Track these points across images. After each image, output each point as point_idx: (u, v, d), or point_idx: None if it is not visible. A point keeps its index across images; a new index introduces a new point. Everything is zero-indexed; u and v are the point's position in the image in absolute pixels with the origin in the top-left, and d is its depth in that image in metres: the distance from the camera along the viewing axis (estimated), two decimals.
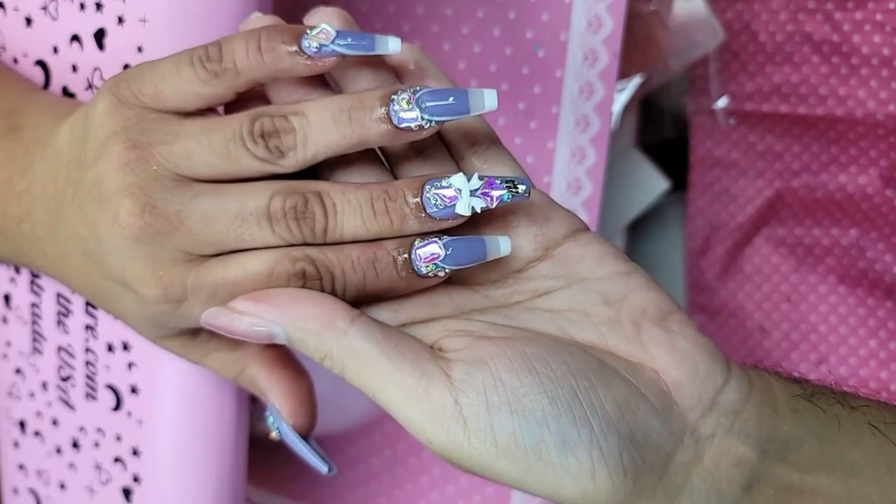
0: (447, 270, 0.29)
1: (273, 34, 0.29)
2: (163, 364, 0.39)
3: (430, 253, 0.29)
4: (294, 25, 0.29)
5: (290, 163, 0.29)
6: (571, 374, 0.27)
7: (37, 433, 0.44)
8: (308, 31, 0.29)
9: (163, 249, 0.29)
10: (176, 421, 0.40)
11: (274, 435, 0.34)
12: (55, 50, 0.38)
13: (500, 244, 0.29)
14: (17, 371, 0.44)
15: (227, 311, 0.29)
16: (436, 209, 0.28)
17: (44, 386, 0.43)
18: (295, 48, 0.29)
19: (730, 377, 0.29)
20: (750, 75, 0.64)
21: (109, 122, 0.30)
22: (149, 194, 0.29)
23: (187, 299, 0.29)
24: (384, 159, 0.31)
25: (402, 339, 0.29)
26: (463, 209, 0.28)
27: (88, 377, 0.41)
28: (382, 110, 0.28)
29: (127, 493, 0.42)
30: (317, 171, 0.30)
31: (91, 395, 0.42)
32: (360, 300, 0.30)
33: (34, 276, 0.41)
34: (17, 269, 0.42)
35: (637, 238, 0.69)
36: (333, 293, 0.29)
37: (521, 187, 0.28)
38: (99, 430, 0.42)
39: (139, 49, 0.36)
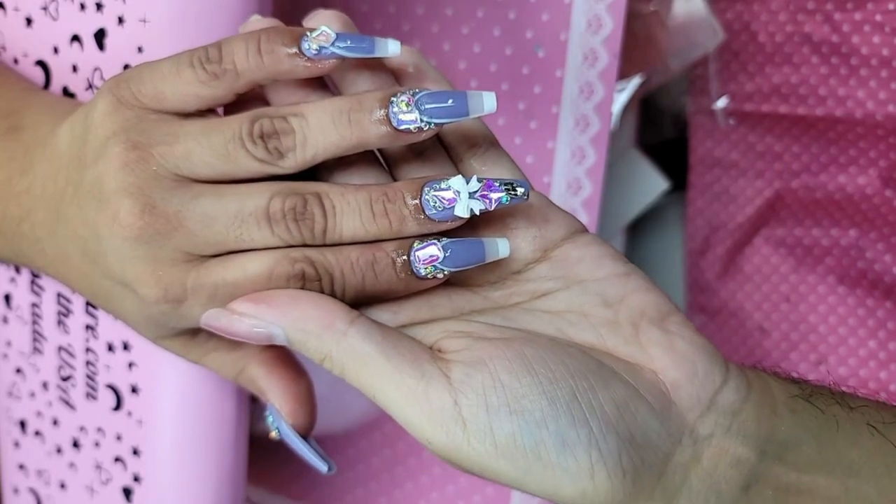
0: (446, 272, 0.29)
1: (273, 36, 0.29)
2: (163, 364, 0.39)
3: (428, 255, 0.29)
4: (294, 27, 0.30)
5: (290, 164, 0.29)
6: (570, 375, 0.27)
7: (37, 433, 0.44)
8: (308, 34, 0.29)
9: (162, 250, 0.29)
10: (176, 421, 0.40)
11: (274, 435, 0.34)
12: (55, 50, 0.38)
13: (499, 246, 0.29)
14: (18, 371, 0.44)
15: (227, 313, 0.29)
16: (435, 211, 0.28)
17: (44, 386, 0.43)
18: (295, 50, 0.29)
19: (728, 378, 0.29)
20: (749, 76, 0.64)
21: (109, 123, 0.30)
22: (148, 195, 0.29)
23: (187, 299, 0.29)
24: (383, 161, 0.31)
25: (402, 341, 0.29)
26: (462, 211, 0.28)
27: (89, 377, 0.41)
28: (382, 112, 0.28)
29: (127, 492, 0.42)
30: (316, 172, 0.30)
31: (91, 395, 0.42)
32: (360, 301, 0.30)
33: (34, 276, 0.42)
34: (17, 269, 0.42)
35: (637, 238, 0.69)
36: (333, 294, 0.29)
37: (520, 189, 0.29)
38: (99, 429, 0.42)
39: (139, 49, 0.36)
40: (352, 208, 0.29)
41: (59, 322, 0.41)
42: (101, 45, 0.37)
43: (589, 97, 0.50)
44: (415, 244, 0.29)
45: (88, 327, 0.41)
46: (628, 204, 0.63)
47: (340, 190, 0.29)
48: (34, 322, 0.42)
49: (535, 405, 0.27)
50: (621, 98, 0.58)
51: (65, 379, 0.42)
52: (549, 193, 0.51)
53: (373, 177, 0.30)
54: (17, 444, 0.45)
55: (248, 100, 0.31)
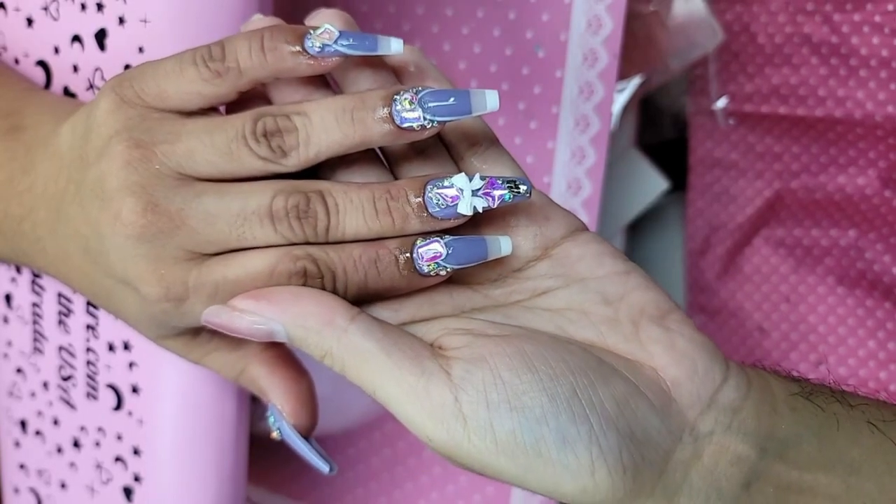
0: (448, 269, 0.29)
1: (276, 34, 0.29)
2: (163, 364, 0.39)
3: (431, 252, 0.29)
4: (297, 26, 0.30)
5: (293, 162, 0.29)
6: (570, 372, 0.27)
7: (38, 433, 0.44)
8: (311, 32, 0.29)
9: (165, 248, 0.29)
10: (176, 420, 0.40)
11: (275, 435, 0.34)
12: (56, 50, 0.38)
13: (501, 244, 0.29)
14: (18, 371, 0.44)
15: (228, 309, 0.29)
16: (438, 209, 0.28)
17: (45, 385, 0.43)
18: (298, 48, 0.29)
19: (728, 375, 0.29)
20: (749, 77, 0.64)
21: (112, 122, 0.30)
22: (151, 193, 0.29)
23: (189, 298, 0.29)
24: (384, 160, 0.31)
25: (402, 337, 0.29)
26: (465, 209, 0.28)
27: (89, 377, 0.41)
28: (385, 110, 0.28)
29: (128, 492, 0.42)
30: (318, 171, 0.30)
31: (92, 395, 0.42)
32: (362, 299, 0.30)
33: (35, 275, 0.42)
34: (18, 269, 0.42)
35: (637, 238, 0.69)
36: (335, 292, 0.29)
37: (523, 187, 0.29)
38: (100, 429, 0.42)
39: (140, 49, 0.36)
40: (355, 206, 0.29)
41: (60, 322, 0.41)
42: (101, 46, 0.37)
43: (589, 97, 0.50)
44: (417, 241, 0.29)
45: (89, 327, 0.41)
46: (628, 204, 0.63)
47: (343, 188, 0.29)
48: (35, 322, 0.42)
49: (536, 402, 0.27)
50: (621, 98, 0.58)
51: (65, 379, 0.42)
52: (549, 193, 0.51)
53: (375, 175, 0.31)
54: (17, 444, 0.45)
55: (250, 98, 0.31)
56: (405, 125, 0.28)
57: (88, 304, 0.40)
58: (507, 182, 0.28)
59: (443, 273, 0.29)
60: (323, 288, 0.29)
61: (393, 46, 0.29)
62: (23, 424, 0.45)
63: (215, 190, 0.29)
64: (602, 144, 0.50)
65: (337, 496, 0.60)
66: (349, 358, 0.28)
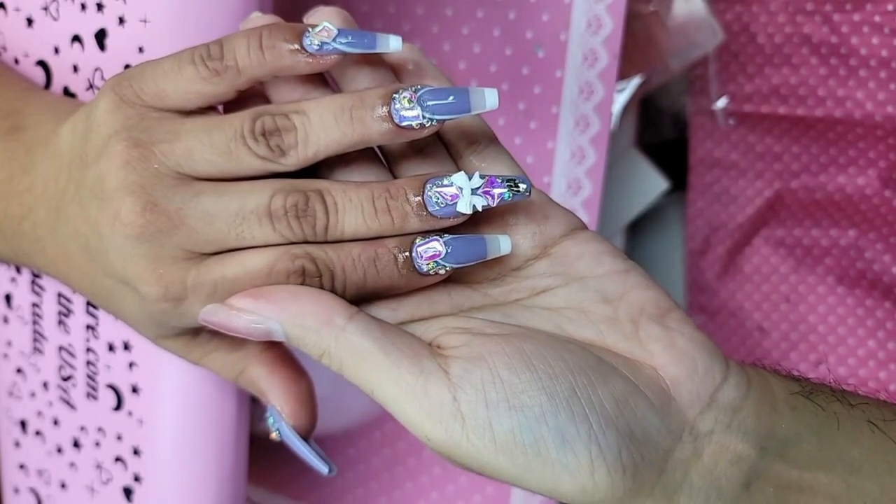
0: (448, 268, 0.29)
1: (275, 32, 0.29)
2: (163, 364, 0.39)
3: (431, 251, 0.29)
4: (295, 24, 0.30)
5: (292, 161, 0.29)
6: (570, 371, 0.27)
7: (38, 433, 0.44)
8: (310, 30, 0.29)
9: (163, 247, 0.29)
10: (176, 421, 0.40)
11: (274, 435, 0.34)
12: (56, 50, 0.38)
13: (501, 243, 0.29)
14: (18, 371, 0.44)
15: (226, 308, 0.29)
16: (437, 207, 0.28)
17: (45, 385, 0.43)
18: (296, 46, 0.29)
19: (728, 374, 0.29)
20: (749, 77, 0.64)
21: (111, 121, 0.30)
22: (150, 192, 0.29)
23: (187, 297, 0.29)
24: (383, 159, 0.31)
25: (401, 336, 0.29)
26: (464, 207, 0.28)
27: (89, 377, 0.41)
28: (384, 109, 0.28)
29: (128, 492, 0.42)
30: (317, 170, 0.30)
31: (92, 395, 0.42)
32: (360, 298, 0.30)
33: (35, 275, 0.42)
34: (18, 270, 0.42)
35: (637, 238, 0.69)
36: (333, 291, 0.29)
37: (522, 186, 0.29)
38: (100, 429, 0.42)
39: (140, 49, 0.36)
40: (354, 205, 0.29)
41: (60, 322, 0.41)
42: (101, 46, 0.37)
43: (589, 97, 0.50)
44: (417, 240, 0.29)
45: (89, 327, 0.41)
46: (628, 204, 0.63)
47: (342, 187, 0.29)
48: (35, 322, 0.42)
49: (535, 401, 0.27)
50: (621, 98, 0.58)
51: (65, 379, 0.42)
52: (549, 194, 0.51)
53: (373, 174, 0.30)
54: (17, 444, 0.45)
55: (249, 97, 0.31)
56: (404, 124, 0.28)
57: (88, 304, 0.40)
58: (507, 180, 0.28)
59: (442, 272, 0.29)
60: (321, 287, 0.29)
61: (392, 44, 0.29)
62: (23, 424, 0.45)
63: (214, 189, 0.29)
64: (602, 144, 0.50)
65: (337, 496, 0.60)
66: (347, 357, 0.28)
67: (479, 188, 0.28)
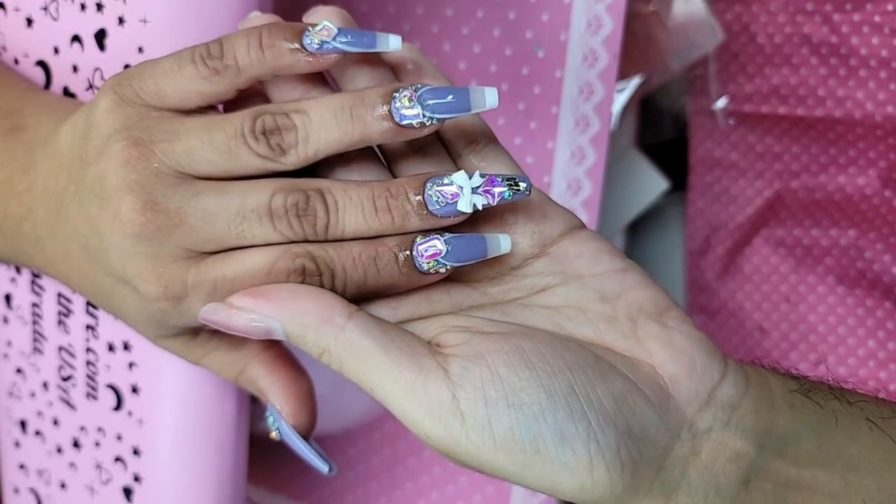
0: (448, 267, 0.29)
1: (275, 31, 0.29)
2: (163, 364, 0.39)
3: (431, 250, 0.29)
4: (295, 23, 0.30)
5: (292, 160, 0.29)
6: (568, 369, 0.27)
7: (37, 433, 0.44)
8: (309, 29, 0.29)
9: (163, 246, 0.29)
10: (176, 421, 0.40)
11: (274, 435, 0.34)
12: (56, 50, 0.38)
13: (501, 241, 0.29)
14: (18, 371, 0.44)
15: (226, 307, 0.29)
16: (437, 206, 0.28)
17: (44, 386, 0.43)
18: (296, 45, 0.29)
19: (727, 372, 0.29)
20: (749, 77, 0.64)
21: (111, 121, 0.30)
22: (150, 191, 0.29)
23: (187, 296, 0.29)
24: (383, 158, 0.31)
25: (400, 335, 0.29)
26: (465, 206, 0.28)
27: (89, 377, 0.41)
28: (384, 108, 0.28)
29: (127, 492, 0.42)
30: (317, 169, 0.30)
31: (92, 395, 0.42)
32: (361, 297, 0.30)
33: (35, 276, 0.42)
34: (17, 270, 0.42)
35: (637, 238, 0.69)
36: (334, 290, 0.29)
37: (522, 185, 0.29)
38: (99, 429, 0.42)
39: (140, 49, 0.36)
40: (354, 204, 0.29)
41: (60, 322, 0.41)
42: (101, 46, 0.37)
43: (589, 97, 0.50)
44: (417, 239, 0.29)
45: (89, 327, 0.41)
46: (628, 204, 0.63)
47: (343, 186, 0.29)
48: (34, 322, 0.42)
49: (534, 399, 0.27)
50: (621, 98, 0.58)
51: (65, 379, 0.42)
52: (549, 193, 0.51)
53: (373, 173, 0.31)
54: (17, 444, 0.45)
55: (248, 97, 0.31)
56: (404, 122, 0.28)
57: (88, 304, 0.40)
58: (507, 179, 0.28)
59: (442, 271, 0.29)
60: (322, 286, 0.29)
61: (391, 43, 0.29)
62: (23, 424, 0.45)
63: (214, 188, 0.29)
64: (602, 144, 0.50)
65: (337, 496, 0.60)
66: (347, 355, 0.28)
67: (479, 187, 0.28)
